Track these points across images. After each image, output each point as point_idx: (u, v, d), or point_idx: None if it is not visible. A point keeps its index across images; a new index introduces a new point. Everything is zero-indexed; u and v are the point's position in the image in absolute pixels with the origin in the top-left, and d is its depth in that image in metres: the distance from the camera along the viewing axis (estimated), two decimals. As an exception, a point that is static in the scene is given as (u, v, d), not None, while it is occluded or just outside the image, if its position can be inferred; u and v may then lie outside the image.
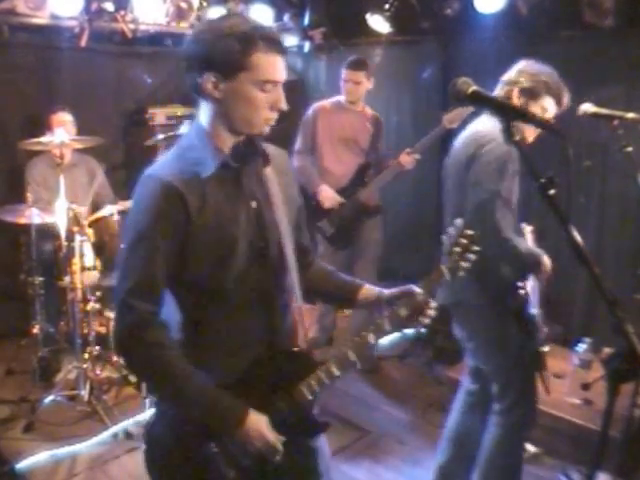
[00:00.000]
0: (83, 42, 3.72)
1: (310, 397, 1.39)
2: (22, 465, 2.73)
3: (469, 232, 1.39)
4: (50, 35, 3.83)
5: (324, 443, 1.55)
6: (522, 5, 3.55)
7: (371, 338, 1.39)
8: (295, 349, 1.45)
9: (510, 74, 2.17)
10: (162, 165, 1.35)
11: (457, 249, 1.38)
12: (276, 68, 1.29)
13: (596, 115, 2.23)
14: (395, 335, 4.00)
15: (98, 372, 3.33)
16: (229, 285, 1.34)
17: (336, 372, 1.38)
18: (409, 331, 3.97)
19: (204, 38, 1.28)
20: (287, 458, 1.36)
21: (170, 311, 1.36)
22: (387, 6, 3.94)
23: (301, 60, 5.09)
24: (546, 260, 2.17)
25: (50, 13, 3.59)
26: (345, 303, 1.59)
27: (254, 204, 1.38)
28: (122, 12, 3.72)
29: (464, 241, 1.39)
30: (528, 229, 2.34)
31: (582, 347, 3.23)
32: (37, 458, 2.78)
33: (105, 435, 2.95)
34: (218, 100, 1.30)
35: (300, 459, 1.45)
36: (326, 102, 3.72)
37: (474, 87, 1.20)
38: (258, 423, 1.32)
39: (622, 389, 2.38)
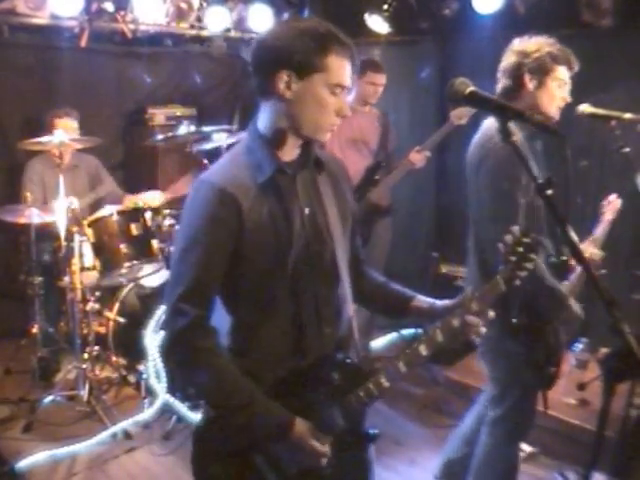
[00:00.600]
0: (83, 42, 3.71)
1: (359, 408, 1.39)
2: (21, 465, 2.74)
3: (526, 240, 1.30)
4: (50, 35, 3.83)
5: (373, 455, 1.55)
6: (520, 5, 3.55)
7: (423, 350, 1.36)
8: (347, 360, 1.42)
9: (509, 60, 2.03)
10: (216, 170, 1.36)
11: (513, 258, 1.32)
12: (347, 73, 1.30)
13: (593, 115, 2.23)
14: (392, 335, 4.02)
15: (97, 372, 3.34)
16: (280, 291, 1.34)
17: (385, 384, 1.38)
18: (406, 331, 4.00)
19: (281, 36, 1.29)
20: (338, 469, 1.36)
21: (219, 317, 1.36)
22: (385, 6, 3.95)
23: (300, 60, 5.09)
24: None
25: (50, 13, 3.58)
26: (397, 314, 1.56)
27: (307, 210, 1.37)
28: (122, 12, 3.72)
29: (521, 249, 1.31)
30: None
31: (579, 347, 3.24)
32: (36, 458, 2.79)
33: (104, 435, 2.95)
34: (288, 100, 1.30)
35: (350, 470, 1.45)
36: None
37: (472, 87, 1.21)
38: (304, 432, 1.31)
39: (618, 389, 2.38)
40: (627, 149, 2.18)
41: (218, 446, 1.38)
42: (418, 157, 3.42)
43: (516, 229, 1.32)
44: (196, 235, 1.29)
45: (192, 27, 4.18)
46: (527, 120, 1.08)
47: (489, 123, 2.05)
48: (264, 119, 1.36)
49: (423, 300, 1.49)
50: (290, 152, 1.37)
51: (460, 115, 3.20)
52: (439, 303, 1.45)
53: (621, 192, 3.40)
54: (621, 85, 3.35)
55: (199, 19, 4.17)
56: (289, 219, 1.34)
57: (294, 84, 1.28)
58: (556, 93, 2.05)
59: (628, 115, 2.16)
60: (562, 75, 2.01)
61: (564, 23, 3.51)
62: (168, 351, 1.35)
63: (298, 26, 1.29)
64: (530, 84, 1.99)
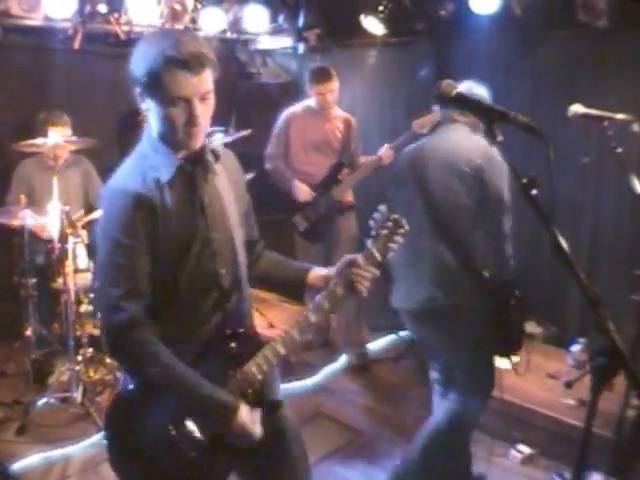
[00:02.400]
0: (76, 44, 3.71)
1: (260, 376, 1.49)
2: (15, 467, 2.73)
3: (394, 216, 1.51)
4: (44, 37, 3.82)
5: (289, 412, 1.69)
6: (516, 6, 3.55)
7: (312, 318, 1.50)
8: (242, 330, 1.54)
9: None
10: (124, 176, 1.47)
11: (384, 232, 1.50)
12: (183, 85, 1.36)
13: (586, 116, 2.22)
14: (390, 337, 4.02)
15: (91, 374, 3.33)
16: (183, 278, 1.46)
17: (282, 351, 1.49)
18: (403, 333, 4.00)
19: (134, 54, 1.42)
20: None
21: None
22: (381, 7, 3.95)
23: (295, 61, 5.10)
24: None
25: (44, 15, 3.58)
26: (296, 288, 1.66)
27: (207, 200, 1.50)
28: (116, 14, 3.71)
29: (390, 224, 1.50)
30: None
31: (577, 347, 3.23)
32: (30, 460, 2.79)
33: (98, 437, 2.94)
34: (149, 112, 1.44)
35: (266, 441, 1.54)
36: (297, 107, 3.78)
37: (458, 89, 1.21)
38: (247, 417, 1.44)
39: (615, 389, 2.37)
40: (620, 149, 2.17)
41: (134, 418, 1.48)
42: (388, 154, 3.54)
43: (384, 208, 1.51)
44: (119, 239, 1.39)
45: (187, 29, 4.17)
46: (511, 121, 1.09)
47: (464, 132, 2.28)
48: (151, 125, 1.48)
49: (318, 270, 1.61)
50: (182, 152, 1.47)
51: (422, 124, 3.31)
52: (333, 269, 1.57)
53: (619, 190, 3.40)
54: (616, 85, 3.35)
55: (194, 20, 4.16)
56: (192, 210, 1.47)
57: (144, 102, 1.42)
58: None
59: (620, 115, 2.16)
60: None
61: (560, 24, 3.52)
62: (112, 348, 1.45)
63: (146, 44, 1.41)
64: None
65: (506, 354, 2.34)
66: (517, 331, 2.33)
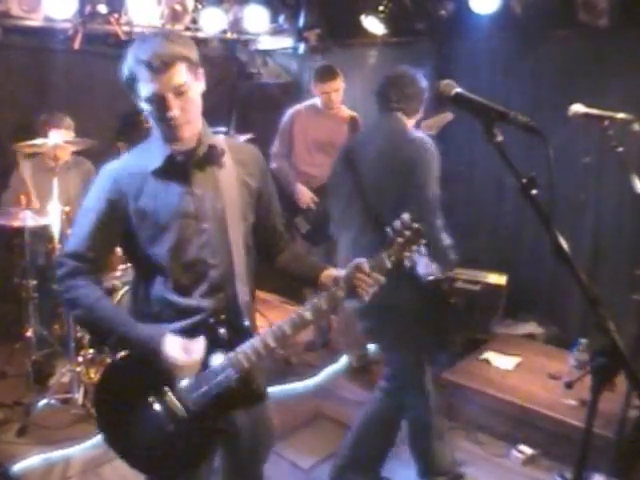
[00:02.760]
0: (77, 44, 3.71)
1: (247, 366, 1.52)
2: (16, 468, 2.73)
3: (415, 225, 1.52)
4: (44, 37, 3.82)
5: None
6: (517, 5, 3.54)
7: (308, 315, 1.53)
8: (233, 319, 1.58)
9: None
10: (119, 160, 1.64)
11: (400, 239, 1.52)
12: (150, 84, 1.45)
13: (586, 116, 2.22)
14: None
15: (92, 375, 3.31)
16: (162, 254, 1.56)
17: (272, 344, 1.53)
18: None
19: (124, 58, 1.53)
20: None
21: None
22: (381, 7, 3.94)
23: (296, 61, 5.09)
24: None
25: (44, 15, 3.58)
26: (308, 283, 1.72)
27: (199, 192, 1.57)
28: (116, 15, 3.72)
29: (408, 233, 1.52)
30: None
31: (578, 348, 3.22)
32: (31, 461, 2.78)
33: (99, 438, 2.93)
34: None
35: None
36: (302, 107, 3.75)
37: (457, 89, 1.21)
38: (172, 345, 1.50)
39: (617, 389, 2.36)
40: (620, 149, 2.16)
41: (118, 388, 1.58)
42: None
43: (407, 215, 1.52)
44: (89, 207, 1.58)
45: (187, 29, 4.17)
46: (511, 121, 1.08)
47: (399, 122, 2.36)
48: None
49: (331, 271, 1.65)
50: (186, 142, 1.55)
51: (431, 125, 3.23)
52: (342, 272, 1.60)
53: (620, 190, 3.39)
54: (617, 85, 3.34)
55: (194, 21, 4.16)
56: (180, 199, 1.55)
57: (136, 99, 1.52)
58: None
59: (621, 115, 2.16)
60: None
61: (560, 23, 3.52)
62: (61, 296, 1.61)
63: (130, 49, 1.51)
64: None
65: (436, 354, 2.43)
66: (448, 332, 2.38)
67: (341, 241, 2.53)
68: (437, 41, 4.18)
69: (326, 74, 3.58)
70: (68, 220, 3.15)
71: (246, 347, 1.53)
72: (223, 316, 1.58)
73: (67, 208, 3.16)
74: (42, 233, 3.34)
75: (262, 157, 1.74)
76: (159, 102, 1.47)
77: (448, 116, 2.99)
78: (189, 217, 1.56)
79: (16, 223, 3.27)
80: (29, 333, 3.38)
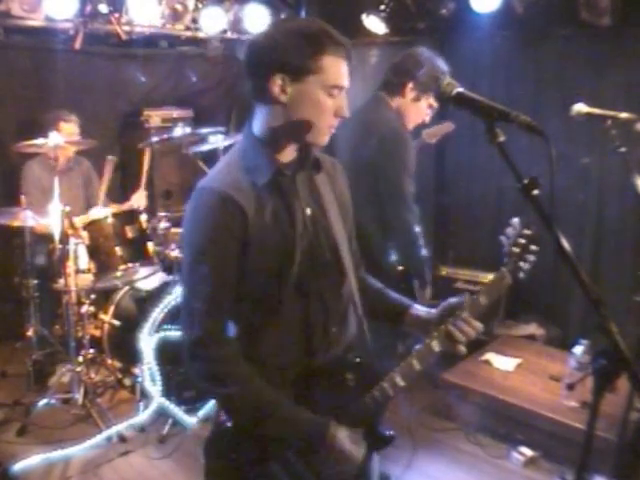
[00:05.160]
0: (78, 44, 3.71)
1: (375, 409, 1.36)
2: (16, 468, 2.72)
3: (527, 231, 1.32)
4: (45, 37, 3.82)
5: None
6: (518, 4, 3.53)
7: (435, 346, 1.35)
8: (359, 360, 1.40)
9: (404, 61, 2.27)
10: (215, 176, 1.33)
11: (516, 250, 1.33)
12: (343, 73, 1.27)
13: (589, 115, 2.20)
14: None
15: (92, 375, 3.31)
16: (286, 293, 1.31)
17: (401, 383, 1.36)
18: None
19: (273, 39, 1.26)
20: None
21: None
22: (382, 7, 3.93)
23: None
24: None
25: (45, 15, 3.57)
26: (393, 321, 1.51)
27: (309, 211, 1.35)
28: (116, 14, 3.71)
29: (523, 241, 1.32)
30: None
31: (579, 349, 3.20)
32: (31, 461, 2.78)
33: (99, 438, 2.94)
34: (283, 104, 1.27)
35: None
36: None
37: (459, 88, 1.20)
38: (341, 435, 1.29)
39: (620, 392, 2.35)
40: (623, 149, 2.15)
41: (232, 457, 1.34)
42: None
43: (516, 221, 1.32)
44: (204, 245, 1.27)
45: (188, 28, 4.17)
46: (513, 120, 1.07)
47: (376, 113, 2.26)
48: (259, 122, 1.33)
49: (419, 309, 1.46)
50: (288, 153, 1.34)
51: (432, 134, 3.05)
52: (433, 311, 1.42)
53: (623, 190, 3.39)
54: (619, 84, 3.33)
55: (195, 20, 4.16)
56: (292, 220, 1.31)
57: (289, 87, 1.25)
58: (423, 115, 2.27)
59: (624, 115, 2.14)
60: (434, 104, 2.23)
61: (562, 22, 3.51)
62: (188, 365, 1.31)
63: (291, 27, 1.27)
64: (409, 93, 2.20)
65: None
66: None
67: None
68: (438, 40, 4.17)
69: None
70: (69, 220, 3.15)
71: (375, 391, 1.35)
72: (354, 358, 1.39)
73: (68, 208, 3.16)
74: (43, 233, 3.33)
75: (344, 172, 1.53)
76: (340, 96, 1.29)
77: (450, 126, 2.94)
78: (305, 238, 1.34)
79: (17, 223, 3.28)
80: (29, 333, 3.40)
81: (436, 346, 1.35)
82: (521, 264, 1.33)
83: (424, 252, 2.21)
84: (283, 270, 1.30)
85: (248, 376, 1.28)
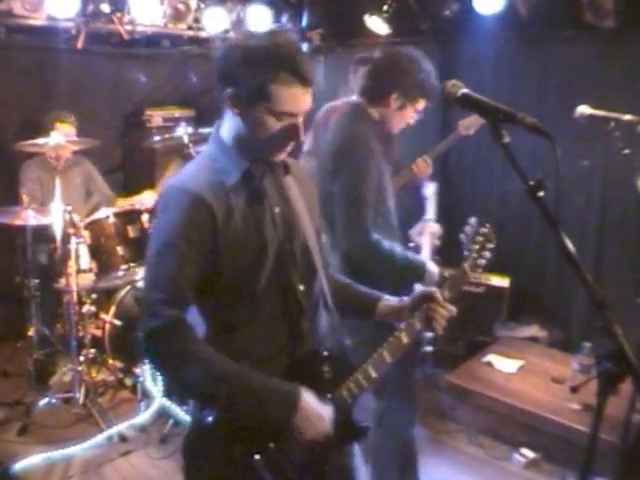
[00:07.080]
0: (80, 44, 3.71)
1: (350, 401, 1.40)
2: (17, 468, 2.72)
3: (484, 230, 1.46)
4: (47, 37, 3.82)
5: (358, 462, 1.58)
6: (521, 6, 3.52)
7: (404, 338, 1.42)
8: (330, 353, 1.43)
9: (387, 67, 2.12)
10: (187, 176, 1.36)
11: (474, 246, 1.46)
12: (295, 100, 1.27)
13: (592, 117, 2.20)
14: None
15: (93, 375, 3.32)
16: (260, 290, 1.34)
17: (373, 374, 1.40)
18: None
19: (232, 55, 1.28)
20: (327, 472, 1.38)
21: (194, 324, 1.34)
22: (385, 7, 3.93)
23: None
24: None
25: (47, 15, 3.57)
26: (364, 316, 1.55)
27: (277, 210, 1.38)
28: (118, 14, 3.71)
29: (480, 239, 1.46)
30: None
31: (582, 351, 3.20)
32: (32, 461, 2.77)
33: (100, 438, 2.94)
34: (237, 117, 1.32)
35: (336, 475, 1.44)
36: (340, 103, 3.63)
37: (463, 90, 1.19)
38: (311, 399, 1.30)
39: (622, 394, 2.34)
40: (627, 151, 2.15)
41: (213, 451, 1.34)
42: (422, 165, 2.97)
43: (474, 220, 1.44)
44: (170, 239, 1.28)
45: (190, 28, 4.17)
46: (519, 122, 1.06)
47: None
48: (225, 128, 1.38)
49: (389, 300, 1.51)
50: (254, 157, 1.36)
51: (468, 125, 2.92)
52: (406, 300, 1.48)
53: (625, 192, 3.37)
54: (623, 86, 3.32)
55: (197, 20, 4.16)
56: (260, 219, 1.35)
57: (240, 104, 1.29)
58: (408, 119, 2.16)
59: (627, 116, 2.14)
60: (421, 107, 2.13)
61: (566, 24, 3.50)
62: (147, 354, 1.32)
63: (251, 47, 1.26)
64: (394, 103, 2.08)
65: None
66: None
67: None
68: (441, 41, 4.17)
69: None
70: (70, 219, 3.15)
71: (350, 382, 1.39)
72: (325, 353, 1.42)
73: (69, 207, 3.16)
74: (44, 232, 3.33)
75: (311, 177, 1.61)
76: (291, 120, 1.29)
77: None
78: (275, 237, 1.38)
79: (18, 222, 3.28)
80: (31, 332, 3.40)
81: (405, 338, 1.42)
82: (479, 260, 1.47)
83: (403, 252, 2.10)
84: (255, 267, 1.33)
85: (212, 352, 1.28)
